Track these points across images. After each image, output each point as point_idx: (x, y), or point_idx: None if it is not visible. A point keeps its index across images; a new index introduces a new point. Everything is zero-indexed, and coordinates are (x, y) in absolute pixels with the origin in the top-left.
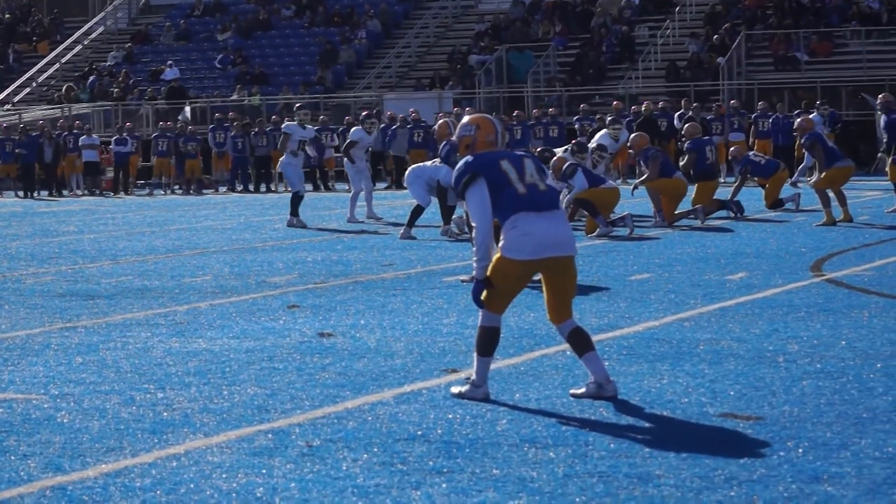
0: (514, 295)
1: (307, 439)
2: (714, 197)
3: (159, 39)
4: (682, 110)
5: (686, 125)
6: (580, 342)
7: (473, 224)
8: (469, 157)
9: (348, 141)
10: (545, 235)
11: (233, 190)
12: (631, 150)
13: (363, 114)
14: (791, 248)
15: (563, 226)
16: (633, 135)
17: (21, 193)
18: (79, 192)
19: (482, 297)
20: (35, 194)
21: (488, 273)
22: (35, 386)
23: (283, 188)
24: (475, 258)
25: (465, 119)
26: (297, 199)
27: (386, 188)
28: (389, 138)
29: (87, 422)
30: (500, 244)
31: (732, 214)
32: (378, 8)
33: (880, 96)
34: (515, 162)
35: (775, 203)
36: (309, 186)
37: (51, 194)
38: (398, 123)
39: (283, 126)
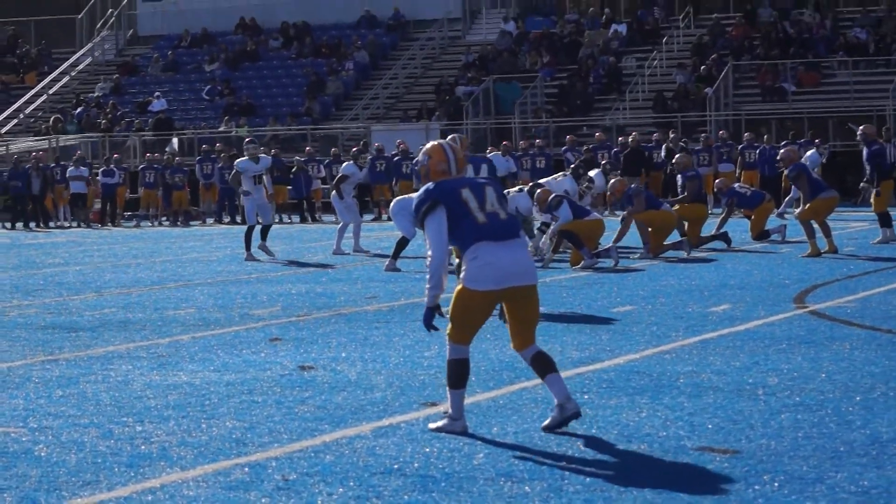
0: (479, 325)
1: (283, 473)
2: (700, 231)
3: (147, 71)
4: (666, 142)
5: (678, 156)
6: (543, 364)
7: (428, 252)
8: (430, 185)
9: (340, 175)
10: (506, 265)
11: (220, 222)
12: (612, 196)
13: (354, 149)
14: (775, 279)
15: (523, 254)
16: (611, 181)
17: (8, 225)
18: (66, 224)
19: (447, 331)
20: (28, 226)
21: (451, 304)
22: (14, 419)
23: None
24: (427, 285)
25: (424, 147)
26: (250, 232)
27: (373, 220)
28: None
29: (65, 455)
30: (462, 275)
31: (726, 245)
32: (366, 39)
33: (861, 128)
34: (476, 190)
35: (761, 234)
36: (296, 218)
37: (38, 226)
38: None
39: (235, 163)
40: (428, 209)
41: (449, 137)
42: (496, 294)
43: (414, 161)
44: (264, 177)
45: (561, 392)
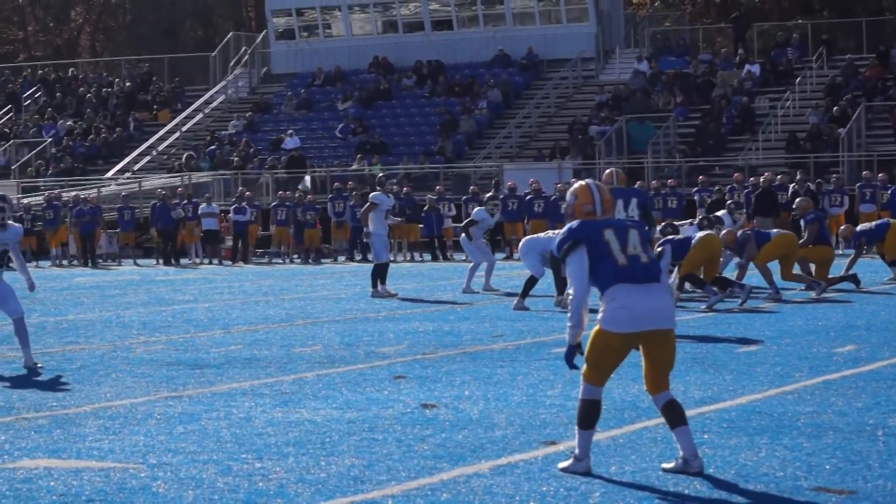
0: (613, 367)
1: None
2: (827, 273)
3: (280, 108)
4: (792, 183)
5: (798, 199)
6: (673, 415)
7: (570, 291)
8: (573, 224)
9: (470, 219)
10: (643, 308)
11: (351, 259)
12: (795, 211)
13: (487, 195)
14: None
15: (661, 298)
16: (798, 199)
17: (154, 262)
18: (198, 261)
19: (583, 371)
20: (170, 262)
21: (588, 345)
22: (134, 455)
23: (409, 257)
24: (568, 324)
25: (572, 187)
26: (382, 269)
27: (504, 258)
28: (544, 209)
29: (182, 491)
30: (599, 316)
31: (855, 287)
32: (499, 78)
33: None
34: (620, 232)
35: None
36: (427, 256)
37: (169, 263)
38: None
39: (370, 196)
40: (569, 248)
41: (606, 172)
42: (632, 337)
43: (563, 202)
44: (389, 214)
45: (688, 447)
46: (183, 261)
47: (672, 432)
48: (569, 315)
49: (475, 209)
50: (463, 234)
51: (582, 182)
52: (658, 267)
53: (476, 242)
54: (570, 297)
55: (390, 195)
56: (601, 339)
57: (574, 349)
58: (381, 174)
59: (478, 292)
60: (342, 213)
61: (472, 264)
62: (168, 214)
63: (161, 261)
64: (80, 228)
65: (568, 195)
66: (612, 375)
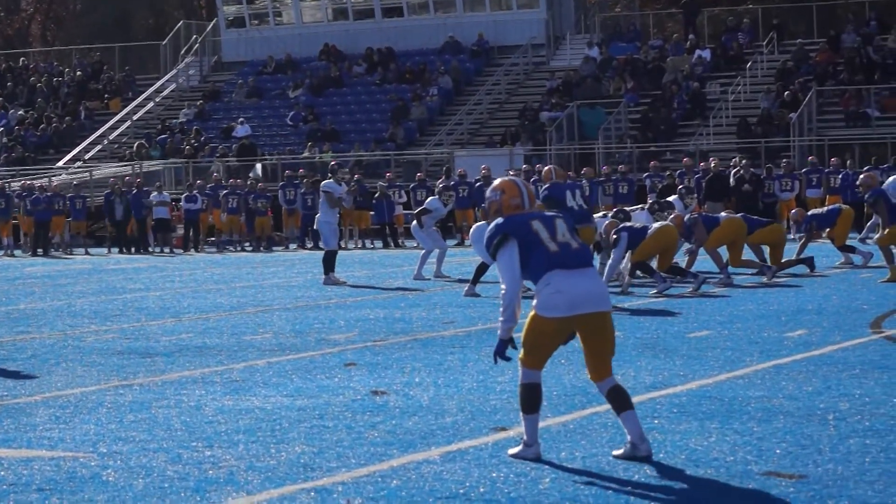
0: (550, 352)
1: (349, 498)
2: (782, 255)
3: (231, 97)
4: (736, 168)
5: (863, 176)
6: (619, 400)
7: (502, 285)
8: (500, 219)
9: (423, 208)
10: (577, 291)
11: (303, 247)
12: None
13: (441, 184)
14: (853, 304)
15: (595, 282)
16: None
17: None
18: (150, 250)
19: (520, 356)
20: (129, 251)
21: (524, 330)
22: (84, 444)
23: (360, 244)
24: (501, 318)
25: (493, 183)
26: (331, 257)
27: (455, 245)
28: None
29: (133, 480)
30: (534, 302)
31: (809, 271)
32: (449, 65)
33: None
34: (547, 222)
35: (845, 247)
36: (378, 243)
37: (121, 251)
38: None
39: (322, 185)
40: (499, 243)
41: (546, 168)
42: (568, 321)
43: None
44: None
45: (635, 431)
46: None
47: (618, 417)
48: (501, 310)
49: (429, 199)
50: (414, 222)
51: (505, 178)
52: (589, 252)
53: (427, 230)
54: (503, 292)
55: (342, 183)
56: (537, 324)
57: (506, 343)
58: (333, 162)
59: (429, 279)
60: (293, 200)
61: (423, 251)
62: (141, 203)
63: (132, 249)
64: (36, 216)
65: (490, 192)
66: (562, 362)
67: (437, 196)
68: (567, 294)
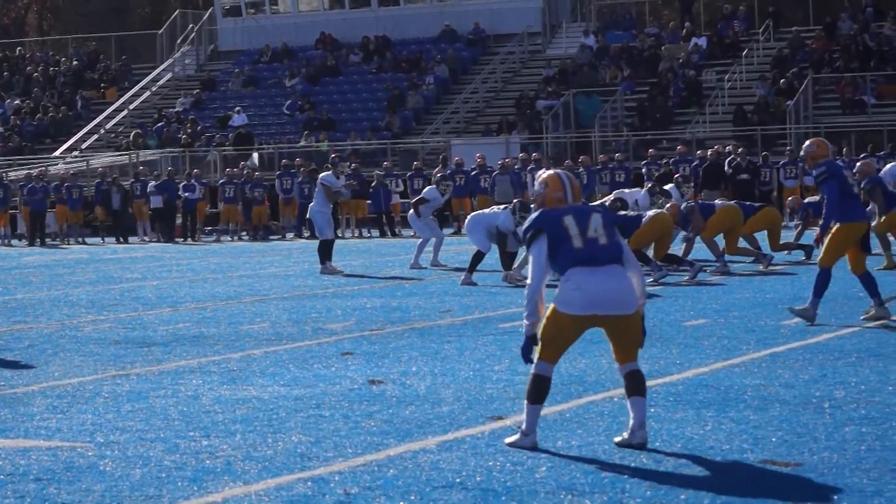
0: (566, 346)
1: (346, 487)
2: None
3: (227, 86)
4: (732, 156)
5: (859, 164)
6: (634, 384)
7: (528, 280)
8: (536, 213)
9: (420, 197)
10: (597, 292)
11: (299, 236)
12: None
13: (438, 175)
14: (850, 292)
15: (620, 281)
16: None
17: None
18: (146, 239)
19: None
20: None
21: (543, 322)
22: (81, 434)
23: (357, 233)
24: (525, 312)
25: (541, 176)
26: (327, 246)
27: (452, 234)
28: (491, 185)
29: (130, 469)
30: (555, 294)
31: (805, 257)
32: (445, 53)
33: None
34: (580, 216)
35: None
36: (375, 232)
37: (118, 241)
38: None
39: (320, 177)
40: (532, 237)
41: (533, 155)
42: (584, 319)
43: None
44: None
45: (638, 417)
46: (133, 238)
47: (627, 399)
48: (525, 304)
49: (427, 188)
50: (412, 211)
51: (551, 171)
52: (620, 249)
53: (424, 219)
54: (527, 285)
55: (342, 176)
56: (554, 317)
57: (531, 341)
58: (333, 155)
59: (426, 268)
60: (290, 189)
61: (420, 240)
62: (173, 191)
63: (162, 238)
64: (32, 206)
65: (537, 185)
66: None
67: (434, 185)
68: (585, 292)
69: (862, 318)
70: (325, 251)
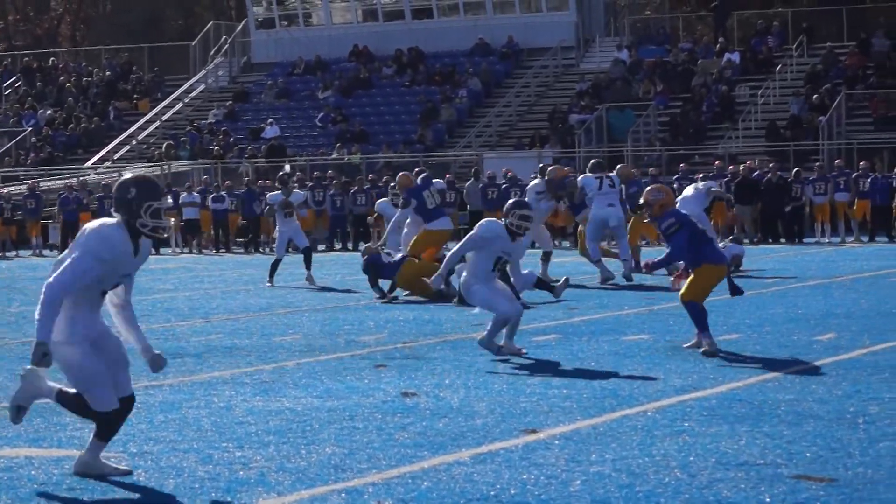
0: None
1: (380, 499)
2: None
3: (260, 97)
4: (766, 170)
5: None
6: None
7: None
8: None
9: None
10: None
11: (331, 248)
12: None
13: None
14: (882, 308)
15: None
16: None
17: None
18: (178, 250)
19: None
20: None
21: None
22: (115, 444)
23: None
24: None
25: (652, 186)
26: (275, 266)
27: None
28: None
29: (163, 480)
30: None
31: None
32: (479, 67)
33: None
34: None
35: None
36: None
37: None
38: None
39: (267, 197)
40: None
41: (550, 168)
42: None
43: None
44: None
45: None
46: (164, 250)
47: None
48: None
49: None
50: None
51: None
52: None
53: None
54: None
55: (295, 190)
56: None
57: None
58: (282, 172)
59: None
60: (322, 201)
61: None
62: (257, 201)
63: (245, 249)
64: (65, 216)
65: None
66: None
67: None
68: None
69: None
70: (274, 267)
